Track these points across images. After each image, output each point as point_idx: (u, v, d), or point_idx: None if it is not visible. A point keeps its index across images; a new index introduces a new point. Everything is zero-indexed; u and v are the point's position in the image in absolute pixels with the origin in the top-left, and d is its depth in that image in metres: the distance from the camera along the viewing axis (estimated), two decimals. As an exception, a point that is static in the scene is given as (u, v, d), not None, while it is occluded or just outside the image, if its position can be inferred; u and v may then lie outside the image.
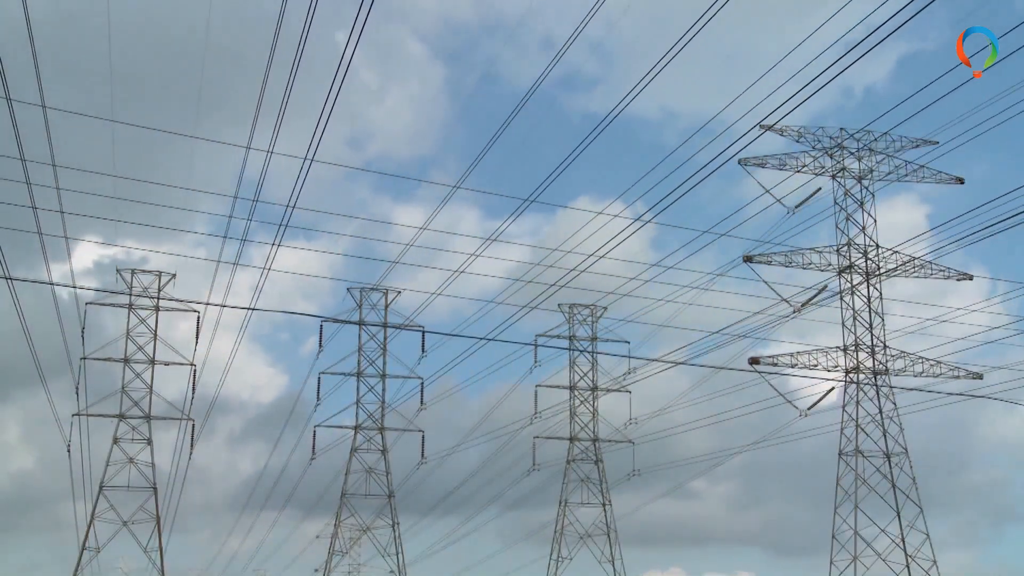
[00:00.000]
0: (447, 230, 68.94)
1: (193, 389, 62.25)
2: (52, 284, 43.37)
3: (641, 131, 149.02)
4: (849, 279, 52.48)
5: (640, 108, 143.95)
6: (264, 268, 35.19)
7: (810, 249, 52.21)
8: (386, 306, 66.00)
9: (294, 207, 29.95)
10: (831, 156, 53.84)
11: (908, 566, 49.66)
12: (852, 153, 53.94)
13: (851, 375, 52.11)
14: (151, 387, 61.73)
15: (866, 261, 52.63)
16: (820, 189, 52.04)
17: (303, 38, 21.73)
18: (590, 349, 68.03)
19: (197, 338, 61.98)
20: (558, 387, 67.72)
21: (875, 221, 53.12)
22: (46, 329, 54.69)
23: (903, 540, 50.06)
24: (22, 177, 28.99)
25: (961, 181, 55.52)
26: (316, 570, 67.86)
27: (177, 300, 61.69)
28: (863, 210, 53.28)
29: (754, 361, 50.35)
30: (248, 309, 47.06)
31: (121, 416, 61.14)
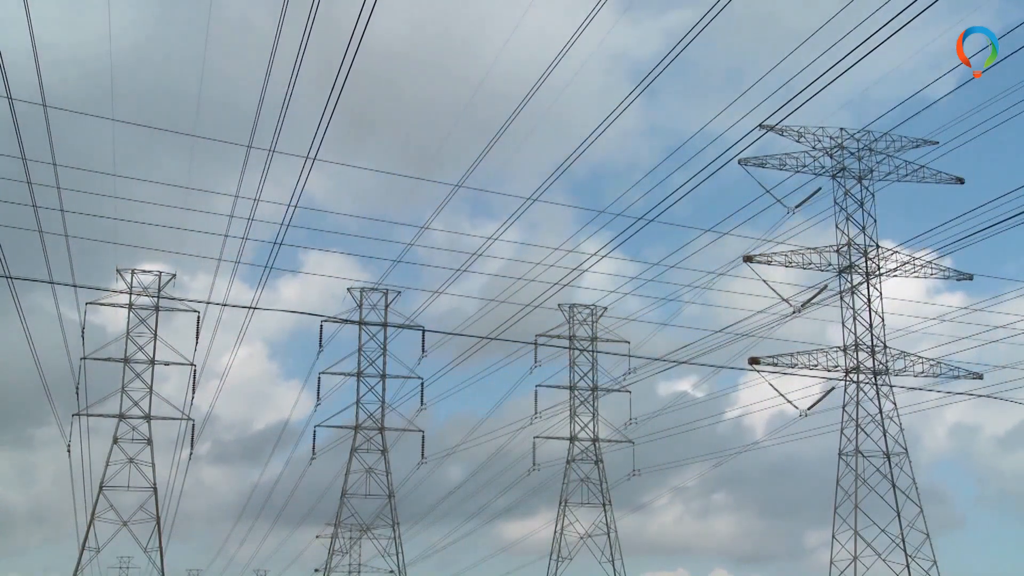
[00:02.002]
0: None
1: (193, 389, 62.43)
2: (52, 283, 43.33)
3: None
4: (849, 279, 52.47)
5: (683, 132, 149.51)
6: (266, 267, 35.21)
7: (810, 249, 52.19)
8: (386, 306, 66.04)
9: (296, 207, 29.98)
10: (831, 156, 53.83)
11: (908, 566, 49.65)
12: (852, 153, 53.92)
13: (851, 375, 52.10)
14: (151, 387, 61.84)
15: (866, 261, 52.60)
16: (820, 189, 52.08)
17: (299, 38, 21.78)
18: (590, 349, 68.02)
19: (197, 338, 62.16)
20: (558, 387, 67.75)
21: (875, 221, 53.19)
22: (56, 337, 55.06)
23: (903, 540, 50.04)
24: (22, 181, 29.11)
25: (961, 181, 55.48)
26: (316, 570, 67.82)
27: (177, 300, 61.85)
28: (863, 210, 53.29)
29: (754, 361, 50.30)
30: (249, 308, 47.06)
31: (121, 416, 61.16)
